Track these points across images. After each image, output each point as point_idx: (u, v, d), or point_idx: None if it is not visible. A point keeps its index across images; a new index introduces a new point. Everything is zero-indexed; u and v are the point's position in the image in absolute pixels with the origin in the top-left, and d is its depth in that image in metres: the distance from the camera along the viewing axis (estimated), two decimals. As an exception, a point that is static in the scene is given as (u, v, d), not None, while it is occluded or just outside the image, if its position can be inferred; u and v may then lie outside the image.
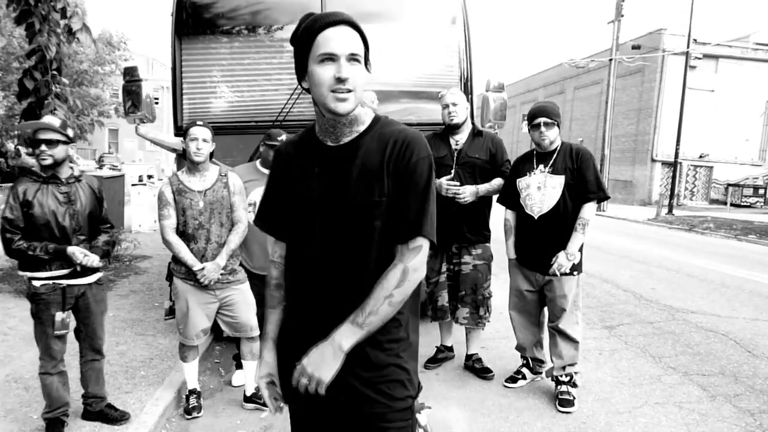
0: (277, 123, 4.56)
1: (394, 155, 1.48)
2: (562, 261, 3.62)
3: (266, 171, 4.03)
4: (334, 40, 1.40)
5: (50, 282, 2.99)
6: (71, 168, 3.13)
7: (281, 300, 1.67)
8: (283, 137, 3.91)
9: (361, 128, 1.53)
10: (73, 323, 3.17)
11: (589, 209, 3.66)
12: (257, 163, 4.02)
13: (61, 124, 3.04)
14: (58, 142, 2.97)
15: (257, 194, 3.93)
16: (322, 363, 1.42)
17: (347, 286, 1.48)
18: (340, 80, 1.40)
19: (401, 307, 1.49)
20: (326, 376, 1.42)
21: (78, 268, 3.02)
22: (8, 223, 2.93)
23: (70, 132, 3.08)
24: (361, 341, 1.45)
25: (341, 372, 1.45)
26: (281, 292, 1.67)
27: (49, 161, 2.96)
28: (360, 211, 1.47)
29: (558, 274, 3.65)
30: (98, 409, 3.30)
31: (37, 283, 2.97)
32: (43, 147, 2.94)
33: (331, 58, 1.40)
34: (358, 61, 1.43)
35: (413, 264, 1.46)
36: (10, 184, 2.97)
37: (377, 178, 1.47)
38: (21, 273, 3.04)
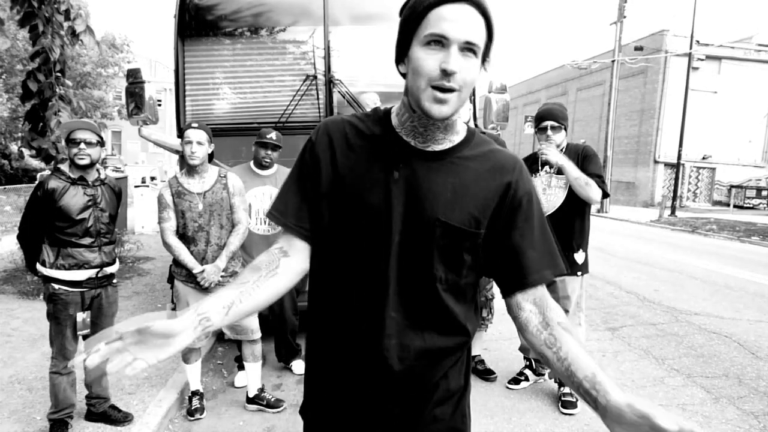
0: (280, 124, 4.57)
1: (509, 185, 1.25)
2: (552, 150, 3.56)
3: (260, 171, 4.04)
4: (449, 20, 1.09)
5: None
6: (98, 171, 3.19)
7: (246, 283, 1.25)
8: (273, 135, 3.91)
9: (456, 138, 1.26)
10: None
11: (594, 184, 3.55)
12: (251, 164, 4.02)
13: (97, 125, 3.14)
14: (97, 143, 3.04)
15: (251, 196, 3.95)
16: None
17: (421, 316, 1.24)
18: (445, 73, 1.10)
19: (458, 348, 1.30)
20: None
21: (98, 274, 3.11)
22: (30, 210, 3.01)
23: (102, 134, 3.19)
24: (418, 392, 1.27)
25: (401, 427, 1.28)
26: (252, 277, 1.26)
27: (86, 161, 3.01)
28: (451, 237, 1.21)
29: (546, 155, 3.56)
30: (101, 410, 3.30)
31: (55, 285, 3.01)
32: (83, 146, 2.99)
33: (440, 41, 1.10)
34: (474, 53, 1.12)
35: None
36: (36, 183, 3.04)
37: (479, 205, 1.22)
38: (39, 270, 3.09)
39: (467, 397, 1.36)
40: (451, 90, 1.12)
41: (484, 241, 1.25)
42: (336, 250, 1.27)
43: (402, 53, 1.18)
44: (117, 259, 3.29)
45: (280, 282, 1.28)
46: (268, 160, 3.98)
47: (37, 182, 3.02)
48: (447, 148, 1.24)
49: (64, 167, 3.11)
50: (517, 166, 1.28)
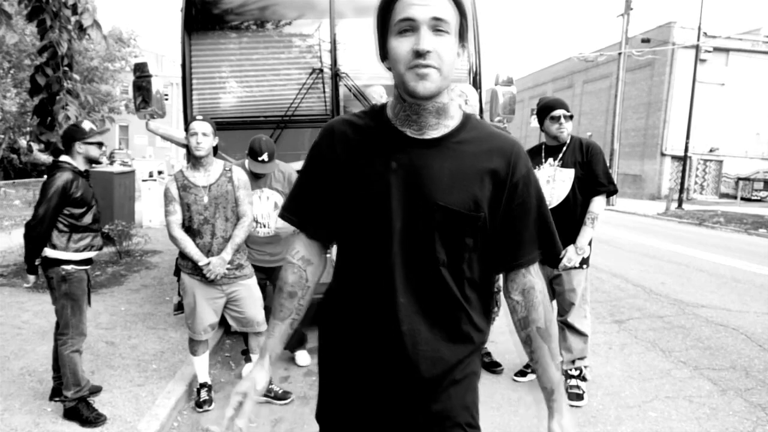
0: (286, 118, 4.58)
1: (506, 168, 1.26)
2: (571, 255, 3.62)
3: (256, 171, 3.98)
4: (414, 3, 1.14)
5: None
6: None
7: (292, 312, 1.42)
8: (264, 157, 3.78)
9: (451, 123, 1.27)
10: None
11: (598, 203, 3.65)
12: (246, 162, 4.00)
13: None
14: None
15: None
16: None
17: (428, 301, 1.27)
18: (418, 54, 1.14)
19: (474, 339, 1.34)
20: None
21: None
22: (54, 201, 3.08)
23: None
24: (435, 388, 1.30)
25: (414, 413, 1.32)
26: (294, 303, 1.42)
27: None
28: (450, 220, 1.23)
29: (567, 267, 3.66)
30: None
31: (68, 267, 3.15)
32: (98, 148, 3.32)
33: (410, 26, 1.14)
34: (445, 31, 1.15)
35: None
36: (57, 176, 3.13)
37: (476, 188, 1.24)
38: (50, 255, 3.14)
39: (477, 381, 1.43)
40: (429, 66, 1.15)
41: (484, 224, 1.27)
42: (347, 242, 1.35)
43: (383, 49, 1.24)
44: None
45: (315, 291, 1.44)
46: (261, 176, 3.90)
47: (57, 175, 3.11)
48: (443, 134, 1.26)
49: (70, 159, 3.25)
50: (514, 148, 1.30)
